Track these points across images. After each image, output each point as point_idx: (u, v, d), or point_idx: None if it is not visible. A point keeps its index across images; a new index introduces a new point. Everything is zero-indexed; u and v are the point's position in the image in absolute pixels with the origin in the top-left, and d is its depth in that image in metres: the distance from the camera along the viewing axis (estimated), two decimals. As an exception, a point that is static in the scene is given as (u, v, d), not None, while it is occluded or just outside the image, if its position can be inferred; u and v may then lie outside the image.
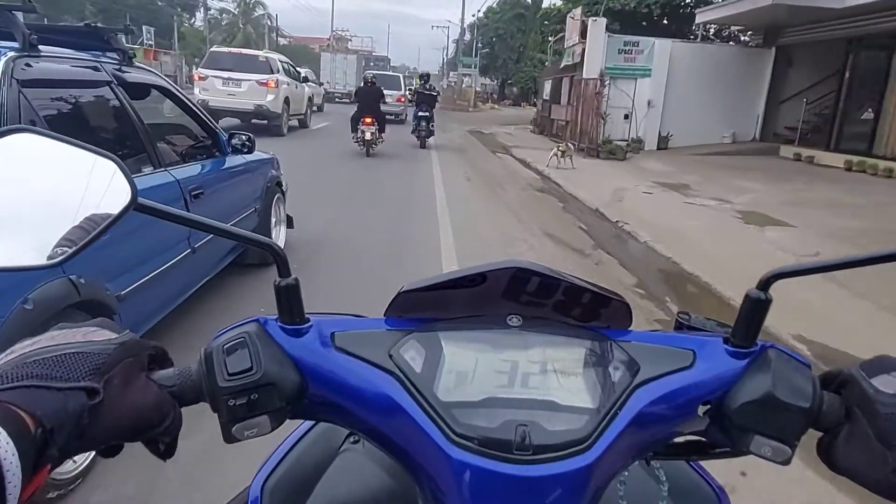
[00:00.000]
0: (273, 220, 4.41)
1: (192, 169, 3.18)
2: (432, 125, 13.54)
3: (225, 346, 0.48)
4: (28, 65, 2.11)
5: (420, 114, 13.45)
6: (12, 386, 0.38)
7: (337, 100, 28.72)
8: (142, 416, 0.45)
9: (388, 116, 20.05)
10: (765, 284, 0.50)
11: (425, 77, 14.60)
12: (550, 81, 19.76)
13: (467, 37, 46.49)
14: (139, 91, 2.90)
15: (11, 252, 0.48)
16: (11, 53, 2.05)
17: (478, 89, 43.12)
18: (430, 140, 13.75)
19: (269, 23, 46.35)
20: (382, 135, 11.56)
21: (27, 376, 0.39)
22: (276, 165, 4.56)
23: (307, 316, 0.52)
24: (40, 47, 2.21)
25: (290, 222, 4.73)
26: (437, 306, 0.54)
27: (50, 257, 0.47)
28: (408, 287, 0.53)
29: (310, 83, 17.23)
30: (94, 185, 0.48)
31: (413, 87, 15.55)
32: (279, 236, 4.59)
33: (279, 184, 4.54)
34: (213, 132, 3.63)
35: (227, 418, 0.47)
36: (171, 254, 2.76)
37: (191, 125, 3.61)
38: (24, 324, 1.73)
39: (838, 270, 0.50)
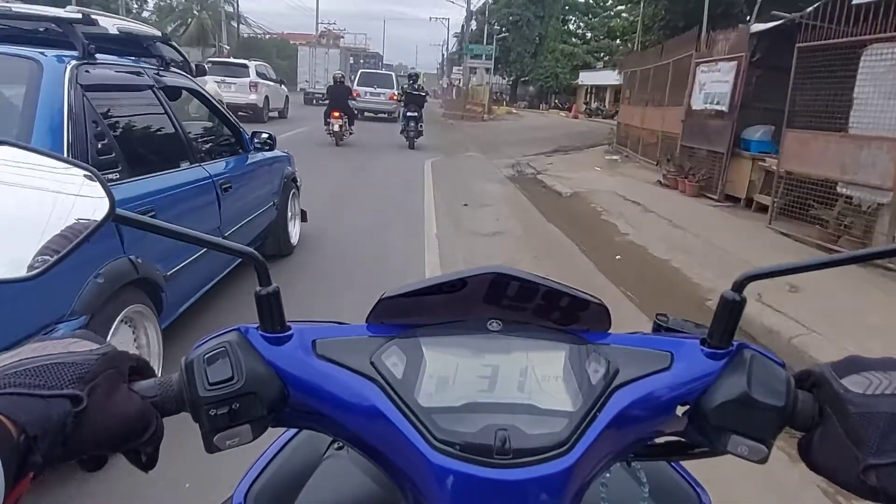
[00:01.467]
0: (289, 213, 4.70)
1: (221, 164, 3.46)
2: (421, 125, 13.85)
3: (206, 356, 0.49)
4: (87, 71, 2.38)
5: (409, 114, 13.61)
6: None
7: (317, 102, 22.97)
8: (124, 426, 0.45)
9: (380, 115, 20.92)
10: (739, 286, 0.51)
11: (413, 77, 14.68)
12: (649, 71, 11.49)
13: (474, 25, 38.79)
14: (174, 93, 3.17)
15: None
16: (74, 62, 2.33)
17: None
18: (419, 140, 13.95)
19: (229, 8, 38.77)
20: (352, 127, 13.31)
21: (10, 385, 0.39)
22: (292, 162, 4.85)
23: (288, 324, 0.53)
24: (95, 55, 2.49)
25: (303, 216, 5.02)
26: (418, 312, 0.54)
27: (30, 268, 0.47)
28: (389, 293, 0.53)
29: (268, 81, 17.42)
30: (73, 196, 0.48)
31: (403, 88, 15.21)
32: (294, 230, 4.87)
33: (294, 180, 4.83)
34: (237, 130, 3.91)
35: (209, 428, 0.47)
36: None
37: (216, 123, 3.88)
38: (98, 294, 2.02)
39: (812, 271, 0.51)
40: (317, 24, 52.13)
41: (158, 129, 2.90)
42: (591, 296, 0.54)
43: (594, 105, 35.29)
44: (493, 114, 28.36)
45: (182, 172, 2.89)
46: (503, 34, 36.64)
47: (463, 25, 40.89)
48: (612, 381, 0.50)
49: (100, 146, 2.28)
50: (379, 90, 20.76)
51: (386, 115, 20.77)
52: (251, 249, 0.52)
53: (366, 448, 0.52)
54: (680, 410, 0.52)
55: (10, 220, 0.47)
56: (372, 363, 0.51)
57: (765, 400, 0.48)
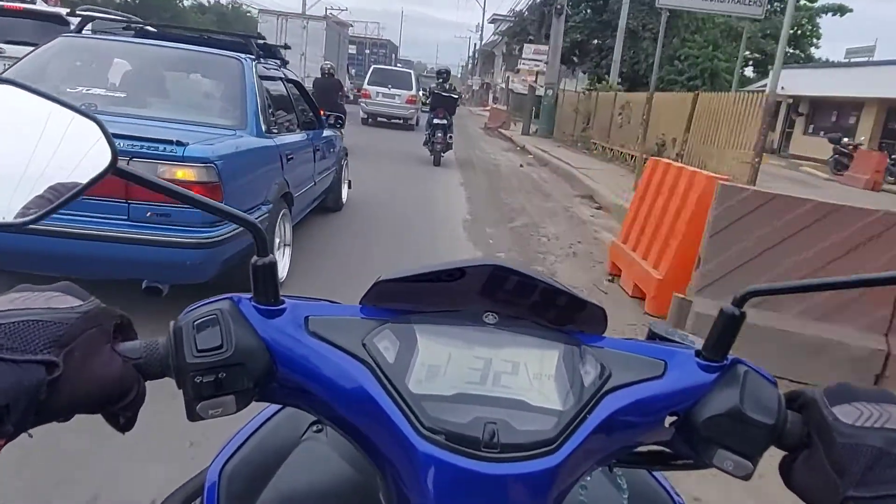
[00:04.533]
0: (343, 178, 6.29)
1: (311, 133, 5.06)
2: (450, 136, 10.88)
3: (196, 322, 0.48)
4: (258, 67, 3.97)
5: (436, 121, 10.74)
6: None
7: None
8: (104, 389, 0.44)
9: (394, 120, 17.68)
10: (740, 301, 0.51)
11: (444, 75, 11.43)
12: None
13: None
14: (288, 83, 4.78)
15: None
16: (253, 61, 3.91)
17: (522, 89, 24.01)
18: (447, 155, 11.16)
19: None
20: (342, 131, 11.11)
21: None
22: (341, 140, 6.44)
23: (282, 297, 0.52)
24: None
25: (349, 184, 6.62)
26: (413, 298, 0.54)
27: (20, 215, 0.46)
28: (385, 277, 0.53)
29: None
30: (75, 144, 0.47)
31: (429, 88, 12.10)
32: (344, 193, 6.47)
33: (346, 154, 6.43)
34: (316, 111, 5.49)
35: (193, 395, 0.47)
36: (308, 182, 4.65)
37: (306, 106, 5.47)
38: (276, 192, 3.60)
39: (813, 291, 0.52)
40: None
41: (287, 106, 4.50)
42: (589, 298, 0.54)
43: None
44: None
45: (298, 134, 4.49)
46: (576, 31, 24.09)
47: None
48: (604, 385, 0.50)
49: (270, 113, 3.85)
50: (394, 91, 17.48)
51: (401, 122, 17.82)
52: (251, 218, 0.52)
53: (350, 430, 0.51)
54: (668, 420, 0.52)
55: (9, 164, 0.46)
56: (364, 345, 0.50)
57: (755, 416, 0.48)
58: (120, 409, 0.46)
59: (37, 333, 0.40)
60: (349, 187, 6.64)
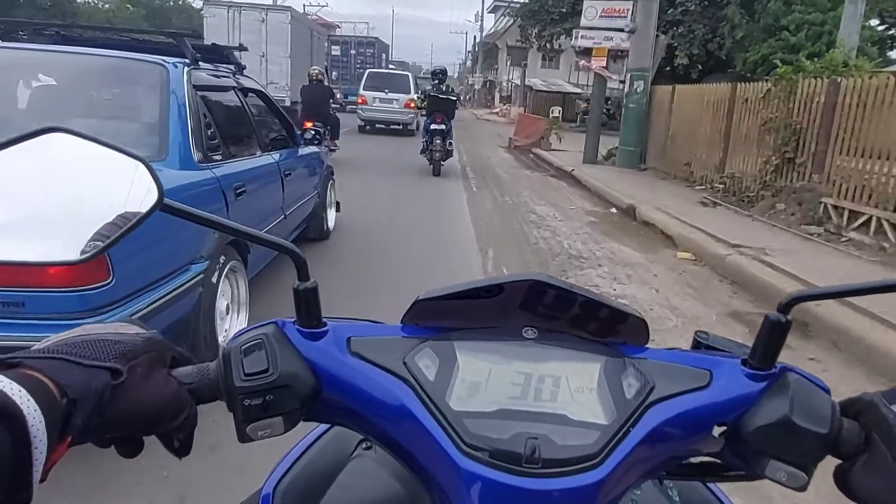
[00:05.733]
0: (327, 202, 5.31)
1: (281, 154, 4.08)
2: (450, 143, 9.73)
3: (243, 347, 0.50)
4: (195, 74, 3.00)
5: (433, 126, 9.56)
6: (42, 356, 0.42)
7: None
8: (159, 408, 0.47)
9: (393, 126, 16.34)
10: (785, 307, 0.50)
11: (440, 75, 10.13)
12: None
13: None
14: (246, 93, 3.80)
15: (44, 248, 0.51)
16: (186, 67, 2.94)
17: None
18: (449, 162, 10.09)
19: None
20: (336, 142, 10.07)
21: (57, 352, 0.43)
22: (327, 157, 5.47)
23: (324, 320, 0.53)
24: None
25: (337, 206, 5.64)
26: (452, 315, 0.54)
27: (82, 252, 0.49)
28: (424, 296, 0.53)
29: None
30: (124, 184, 0.50)
31: (424, 91, 10.73)
32: (330, 218, 5.49)
33: (332, 172, 5.45)
34: (289, 126, 4.52)
35: (243, 418, 0.49)
36: (275, 217, 3.67)
37: (274, 119, 4.51)
38: (215, 245, 2.63)
39: (858, 296, 0.50)
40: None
41: (241, 122, 3.52)
42: (631, 309, 0.53)
43: None
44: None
45: (258, 158, 3.51)
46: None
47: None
48: (648, 397, 0.49)
49: (208, 133, 2.89)
50: (391, 96, 16.47)
51: (400, 127, 16.89)
52: (291, 245, 0.53)
53: (395, 448, 0.52)
54: (717, 431, 0.51)
55: (66, 205, 0.49)
56: (405, 363, 0.51)
57: (807, 426, 0.47)
58: (173, 429, 0.49)
59: (106, 348, 0.45)
60: (337, 210, 5.65)
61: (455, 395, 0.49)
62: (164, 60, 2.85)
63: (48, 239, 0.50)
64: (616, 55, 12.12)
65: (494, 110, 32.72)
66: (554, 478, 0.45)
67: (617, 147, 11.78)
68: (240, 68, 3.79)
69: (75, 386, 0.41)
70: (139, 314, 2.06)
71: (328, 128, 9.78)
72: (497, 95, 36.87)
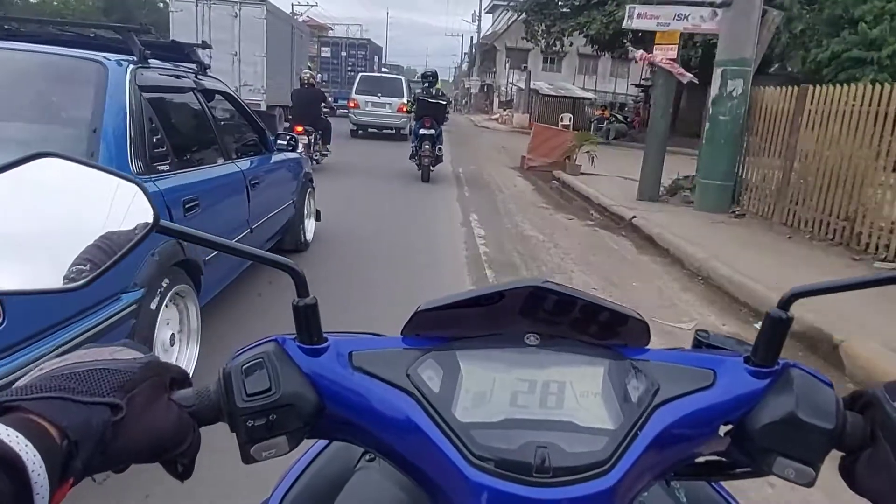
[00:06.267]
0: (305, 211, 4.97)
1: (249, 162, 3.74)
2: (439, 148, 9.41)
3: (244, 367, 0.49)
4: (142, 74, 2.66)
5: (422, 132, 9.19)
6: (39, 396, 0.39)
7: None
8: (162, 435, 0.45)
9: (385, 130, 16.04)
10: (785, 303, 0.50)
11: (430, 78, 9.78)
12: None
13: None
14: (209, 96, 3.46)
15: (34, 275, 0.48)
16: (132, 66, 2.61)
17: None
18: (438, 168, 9.76)
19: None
20: (327, 146, 9.92)
21: (55, 388, 0.40)
22: (307, 164, 5.13)
23: (325, 335, 0.53)
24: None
25: (318, 216, 5.29)
26: (454, 325, 0.53)
27: (72, 279, 0.47)
28: (425, 306, 0.53)
29: None
30: (117, 208, 0.49)
31: (414, 94, 10.62)
32: (309, 228, 5.15)
33: (311, 179, 5.11)
34: (261, 131, 4.19)
35: (246, 439, 0.48)
36: (237, 233, 3.32)
37: (243, 124, 4.17)
38: (153, 270, 2.28)
39: (859, 290, 0.50)
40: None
41: (199, 128, 3.19)
42: (631, 311, 0.53)
43: None
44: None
45: (218, 167, 3.17)
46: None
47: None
48: (654, 399, 0.49)
49: (154, 140, 2.55)
50: (384, 99, 16.27)
51: (393, 132, 16.51)
52: (290, 261, 0.52)
53: (401, 461, 0.51)
54: (722, 430, 0.51)
55: (57, 231, 0.48)
56: (408, 376, 0.50)
57: (813, 421, 0.47)
58: (177, 455, 0.47)
59: (104, 380, 0.42)
60: (317, 219, 5.31)
61: (461, 406, 0.49)
62: (104, 58, 2.52)
63: (37, 266, 0.48)
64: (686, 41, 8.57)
65: (493, 116, 30.25)
66: (565, 486, 0.45)
67: (689, 177, 8.27)
68: (203, 68, 3.44)
69: (75, 427, 0.39)
70: (45, 358, 1.72)
71: (319, 132, 9.54)
72: (496, 100, 34.56)
